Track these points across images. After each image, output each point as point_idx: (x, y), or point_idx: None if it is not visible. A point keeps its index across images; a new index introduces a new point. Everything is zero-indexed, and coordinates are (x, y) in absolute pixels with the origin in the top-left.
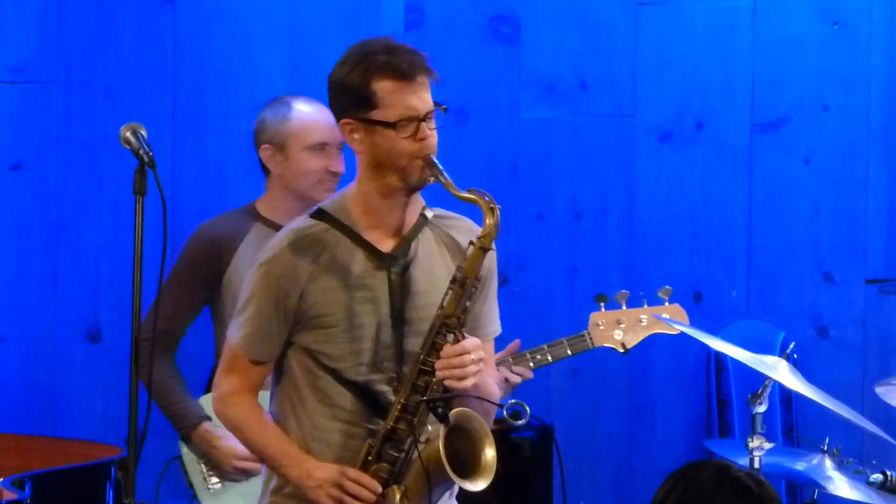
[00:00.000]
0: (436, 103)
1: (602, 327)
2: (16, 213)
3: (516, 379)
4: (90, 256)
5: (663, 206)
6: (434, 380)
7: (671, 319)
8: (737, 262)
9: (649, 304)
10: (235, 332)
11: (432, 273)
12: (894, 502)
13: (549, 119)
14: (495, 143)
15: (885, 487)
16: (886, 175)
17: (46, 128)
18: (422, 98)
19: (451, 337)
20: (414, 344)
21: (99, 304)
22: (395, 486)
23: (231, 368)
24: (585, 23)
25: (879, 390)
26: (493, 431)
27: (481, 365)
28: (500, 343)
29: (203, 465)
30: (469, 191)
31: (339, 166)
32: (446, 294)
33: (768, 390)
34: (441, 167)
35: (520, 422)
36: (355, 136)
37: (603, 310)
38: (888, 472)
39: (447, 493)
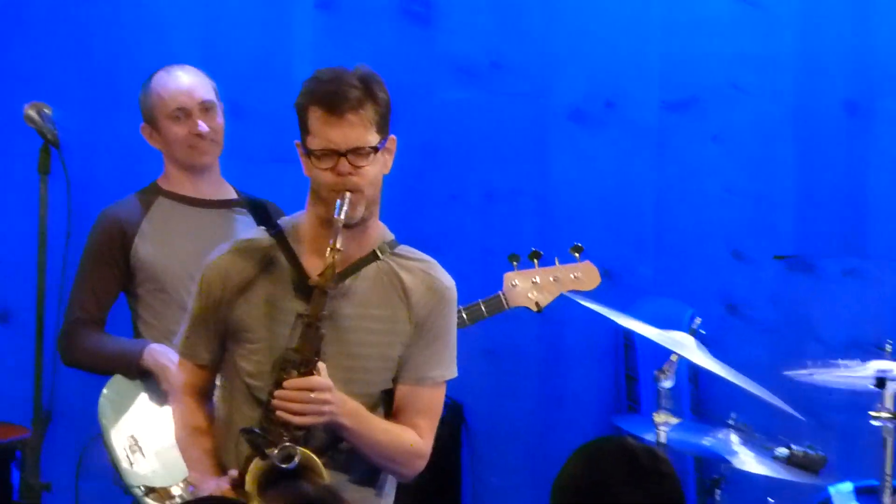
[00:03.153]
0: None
1: (516, 287)
2: None
3: None
4: None
5: (576, 184)
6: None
7: (577, 291)
8: (646, 240)
9: (561, 263)
10: (179, 333)
11: (364, 312)
12: (800, 476)
13: (463, 99)
14: (410, 124)
15: (790, 462)
16: (794, 153)
17: None
18: (346, 133)
19: (294, 372)
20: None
21: (6, 285)
22: None
23: (180, 365)
24: (498, 2)
25: (790, 374)
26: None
27: (325, 407)
28: None
29: (127, 440)
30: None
31: (202, 126)
32: (295, 331)
33: (675, 366)
34: (343, 206)
35: (287, 465)
36: (302, 159)
37: (516, 269)
38: (794, 447)
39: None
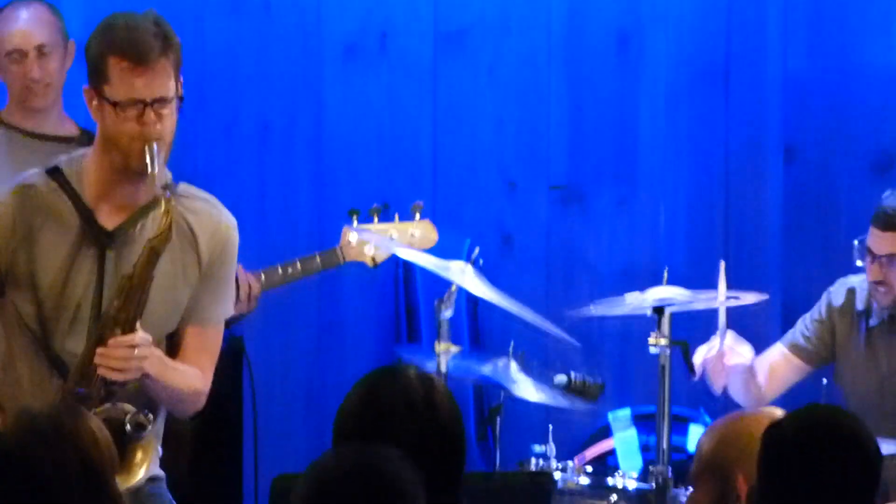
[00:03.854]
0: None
1: (353, 242)
2: None
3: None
4: None
5: (351, 119)
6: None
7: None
8: (423, 173)
9: (401, 219)
10: None
11: None
12: (578, 403)
13: (235, 36)
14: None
15: (569, 389)
16: (566, 84)
17: None
18: (151, 83)
19: (119, 330)
20: None
21: None
22: None
23: None
24: None
25: (573, 313)
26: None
27: (144, 362)
28: None
29: None
30: (161, 188)
31: (35, 72)
32: (119, 288)
33: (454, 296)
34: (154, 158)
35: (143, 432)
36: (93, 103)
37: (356, 223)
38: (571, 374)
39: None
